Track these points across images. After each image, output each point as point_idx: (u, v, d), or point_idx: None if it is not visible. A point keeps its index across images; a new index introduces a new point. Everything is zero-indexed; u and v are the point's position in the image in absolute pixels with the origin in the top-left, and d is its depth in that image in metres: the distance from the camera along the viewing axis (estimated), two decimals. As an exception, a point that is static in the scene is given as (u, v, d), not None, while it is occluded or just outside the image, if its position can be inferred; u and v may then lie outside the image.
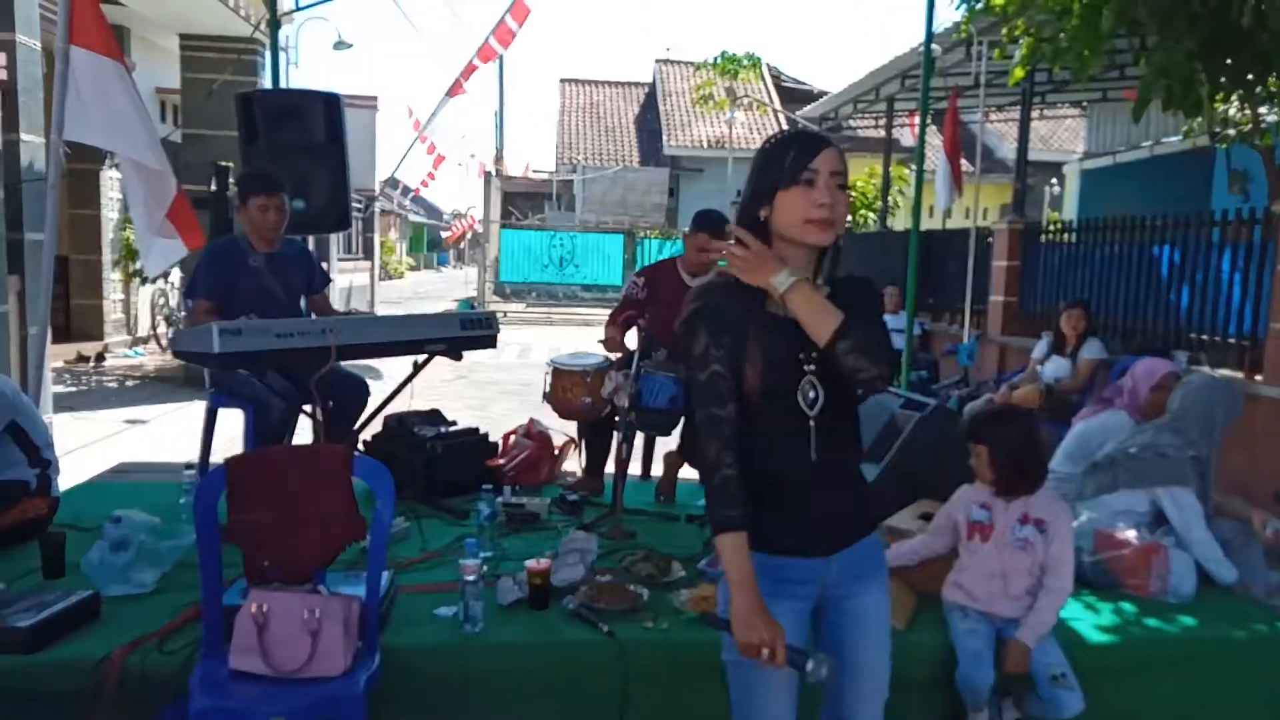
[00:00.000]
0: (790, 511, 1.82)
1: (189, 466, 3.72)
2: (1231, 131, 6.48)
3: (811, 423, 1.79)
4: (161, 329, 10.76)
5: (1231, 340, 5.41)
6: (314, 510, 2.45)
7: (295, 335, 3.25)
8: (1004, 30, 6.00)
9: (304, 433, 4.65)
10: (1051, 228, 7.66)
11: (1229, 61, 4.98)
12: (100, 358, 9.59)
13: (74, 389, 8.21)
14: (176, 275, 10.90)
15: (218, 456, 4.15)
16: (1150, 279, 6.17)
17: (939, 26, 7.25)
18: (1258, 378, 4.95)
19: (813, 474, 1.82)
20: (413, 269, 41.57)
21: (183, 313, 11.02)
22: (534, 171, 29.61)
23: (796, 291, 1.73)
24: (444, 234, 38.92)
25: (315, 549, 2.45)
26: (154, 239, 4.15)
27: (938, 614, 2.88)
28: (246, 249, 3.85)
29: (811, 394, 1.79)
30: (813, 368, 1.79)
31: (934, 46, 7.12)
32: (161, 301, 10.82)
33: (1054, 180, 17.87)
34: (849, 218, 1.86)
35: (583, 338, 14.59)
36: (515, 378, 10.26)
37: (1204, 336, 5.65)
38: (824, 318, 1.72)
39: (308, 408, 3.82)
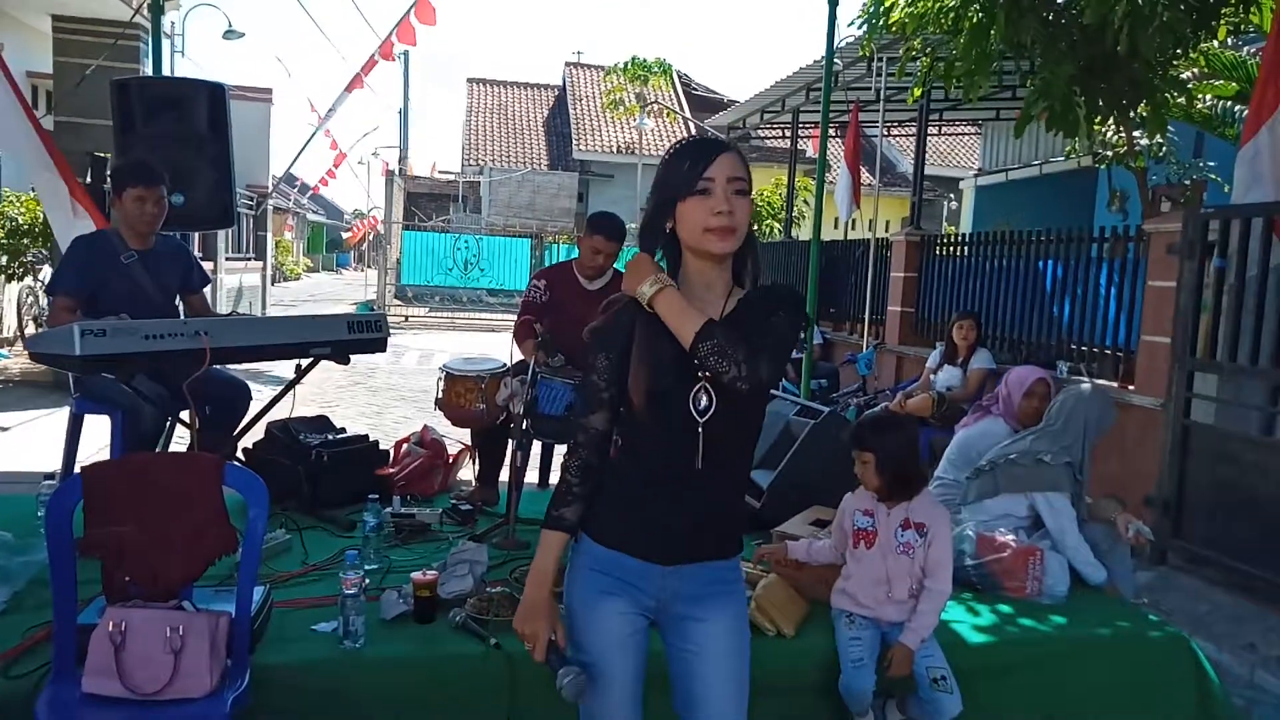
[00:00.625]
0: (648, 512, 1.80)
1: (49, 477, 3.48)
2: (1110, 153, 6.81)
3: (700, 429, 1.76)
4: (30, 330, 10.12)
5: (1108, 351, 5.68)
6: (180, 522, 2.32)
7: (166, 337, 3.06)
8: (902, 49, 6.17)
9: (182, 441, 4.43)
10: (945, 240, 7.91)
11: (1104, 86, 5.24)
12: (-38, 359, 8.96)
13: (-69, 392, 7.65)
14: (47, 273, 10.28)
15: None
16: (1035, 291, 6.44)
17: (842, 41, 7.42)
18: (1130, 387, 5.20)
19: (691, 480, 1.78)
20: (310, 270, 40.31)
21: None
22: (440, 172, 29.12)
23: (661, 298, 1.73)
24: (345, 234, 37.93)
25: (181, 563, 2.31)
26: (73, 222, 3.91)
27: (827, 619, 2.91)
28: (118, 244, 3.63)
29: (704, 400, 1.76)
30: (707, 374, 1.75)
31: (836, 61, 7.28)
32: (30, 300, 10.18)
33: (952, 195, 18.55)
34: (754, 225, 1.85)
35: (487, 343, 14.39)
36: (413, 384, 10.03)
37: (1084, 348, 5.91)
38: (686, 321, 1.69)
39: (185, 414, 3.62)
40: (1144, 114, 5.20)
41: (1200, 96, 5.92)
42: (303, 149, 11.73)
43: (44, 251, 9.59)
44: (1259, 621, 4.01)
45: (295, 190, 28.79)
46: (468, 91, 26.63)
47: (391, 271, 19.71)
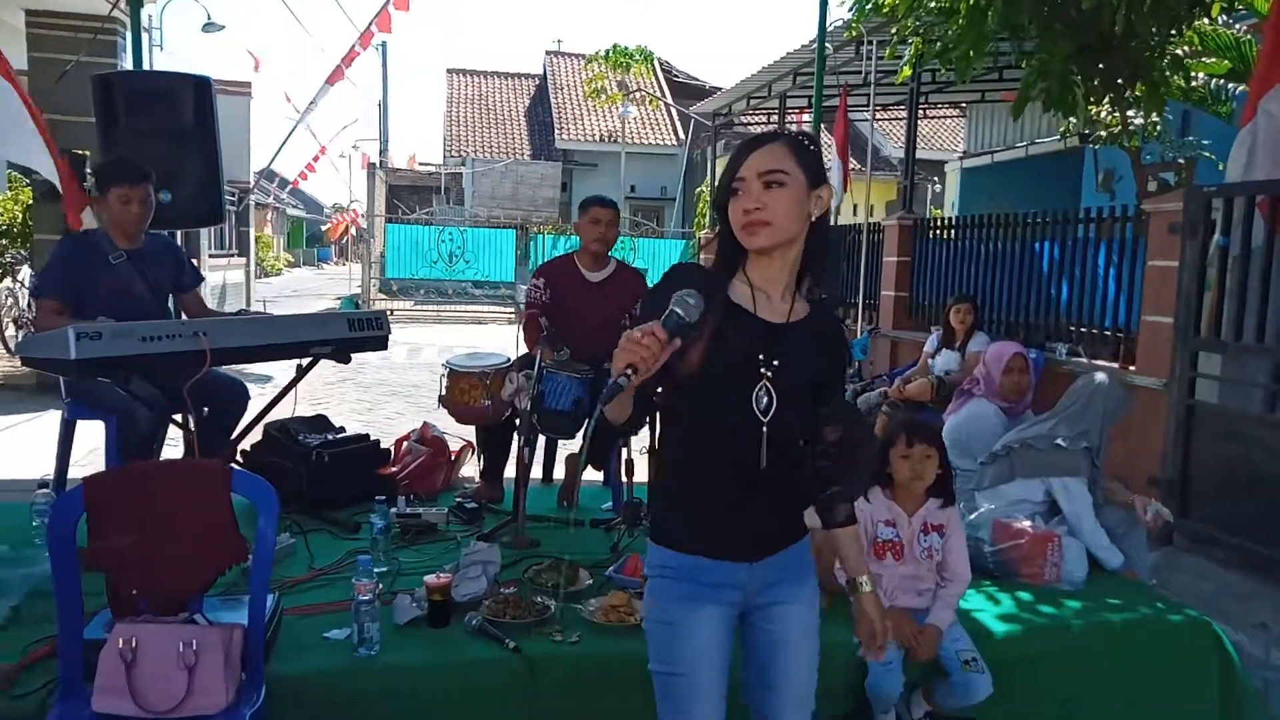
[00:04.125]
0: (722, 514, 1.77)
1: (43, 485, 3.37)
2: (1103, 133, 6.78)
3: (764, 429, 1.73)
4: (10, 332, 9.94)
5: (1107, 332, 5.66)
6: (189, 532, 2.24)
7: (163, 339, 2.97)
8: (893, 30, 6.12)
9: (174, 444, 4.33)
10: (938, 224, 7.87)
11: (1101, 66, 5.20)
12: (-59, 363, 8.79)
13: (-90, 398, 7.48)
14: (27, 274, 10.08)
15: (76, 473, 3.80)
16: (1032, 273, 6.41)
17: (830, 25, 7.34)
18: (1131, 368, 5.18)
19: (758, 480, 1.76)
20: (291, 265, 39.89)
21: (34, 314, 10.21)
22: (420, 164, 28.85)
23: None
24: (324, 229, 37.54)
25: (191, 575, 2.24)
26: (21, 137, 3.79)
27: (845, 612, 2.87)
28: (106, 245, 3.53)
29: (765, 400, 1.73)
30: (769, 373, 1.73)
31: (825, 45, 7.21)
32: (10, 302, 9.98)
33: (935, 178, 18.55)
34: (817, 217, 1.81)
35: (475, 336, 14.28)
36: (404, 379, 9.92)
37: (1082, 329, 5.89)
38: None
39: (178, 416, 3.53)
40: (1140, 93, 5.17)
41: (1194, 75, 5.90)
42: (284, 143, 11.62)
43: (23, 252, 9.41)
44: (1268, 600, 4.00)
45: (275, 185, 28.46)
46: (447, 82, 26.37)
47: (375, 265, 19.51)
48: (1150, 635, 2.99)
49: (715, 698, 1.79)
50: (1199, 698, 2.96)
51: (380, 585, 2.62)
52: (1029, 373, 3.79)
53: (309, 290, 24.82)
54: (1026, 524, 3.29)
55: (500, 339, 12.57)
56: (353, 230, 25.60)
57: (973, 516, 3.39)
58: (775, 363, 1.73)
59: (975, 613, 2.95)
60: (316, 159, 20.55)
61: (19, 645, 2.46)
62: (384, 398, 8.77)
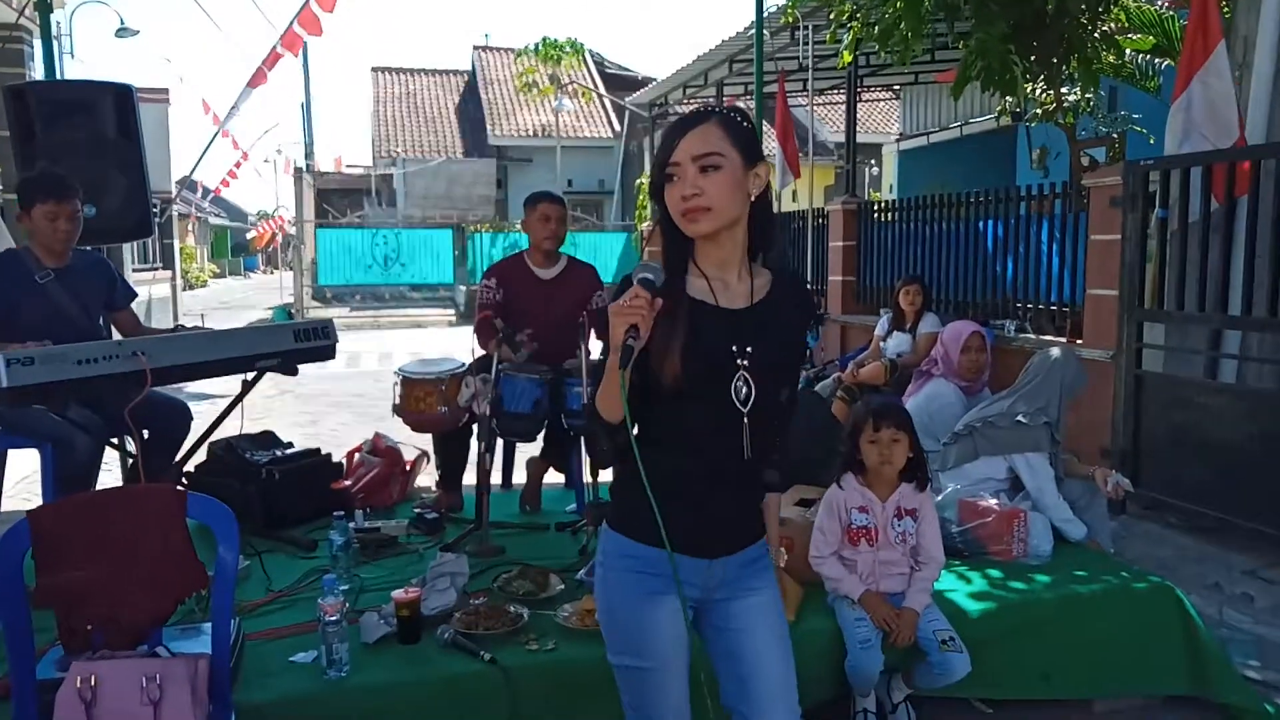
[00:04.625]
0: (691, 509, 1.72)
1: (-24, 519, 3.19)
2: (1038, 110, 6.91)
3: (745, 419, 1.70)
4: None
5: (1054, 307, 5.77)
6: (145, 561, 2.13)
7: (100, 360, 2.82)
8: (831, 15, 6.14)
9: (109, 469, 4.14)
10: (882, 207, 7.95)
11: (1035, 44, 5.29)
12: None
13: None
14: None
15: (9, 505, 3.62)
16: (977, 252, 6.50)
17: (766, 10, 7.34)
18: (1078, 341, 5.29)
19: (741, 471, 1.74)
20: (217, 276, 38.85)
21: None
22: (347, 166, 28.27)
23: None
24: (249, 237, 36.60)
25: (150, 605, 2.13)
26: None
27: (821, 600, 2.87)
28: (31, 264, 3.35)
29: (744, 390, 1.70)
30: (745, 362, 1.70)
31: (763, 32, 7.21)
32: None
33: (872, 161, 18.79)
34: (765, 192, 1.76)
35: (415, 340, 14.04)
36: (345, 388, 9.68)
37: (1029, 305, 6.00)
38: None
39: (116, 440, 3.37)
40: (1075, 69, 5.27)
41: (1123, 51, 6.04)
42: (205, 150, 11.18)
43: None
44: (1220, 561, 4.12)
45: (196, 195, 27.60)
46: (373, 81, 25.86)
47: (307, 272, 19.05)
48: (1117, 603, 3.04)
49: (681, 691, 1.78)
50: (1166, 660, 3.01)
51: (346, 604, 2.52)
52: (986, 351, 3.83)
53: (238, 301, 24.19)
54: (992, 502, 3.32)
55: (442, 342, 12.36)
56: (279, 237, 24.99)
57: (939, 497, 3.41)
58: (749, 349, 1.71)
59: (949, 593, 2.96)
60: (239, 165, 19.99)
61: (-39, 692, 2.31)
62: (327, 409, 8.55)
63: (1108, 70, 5.71)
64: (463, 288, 18.58)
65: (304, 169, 21.42)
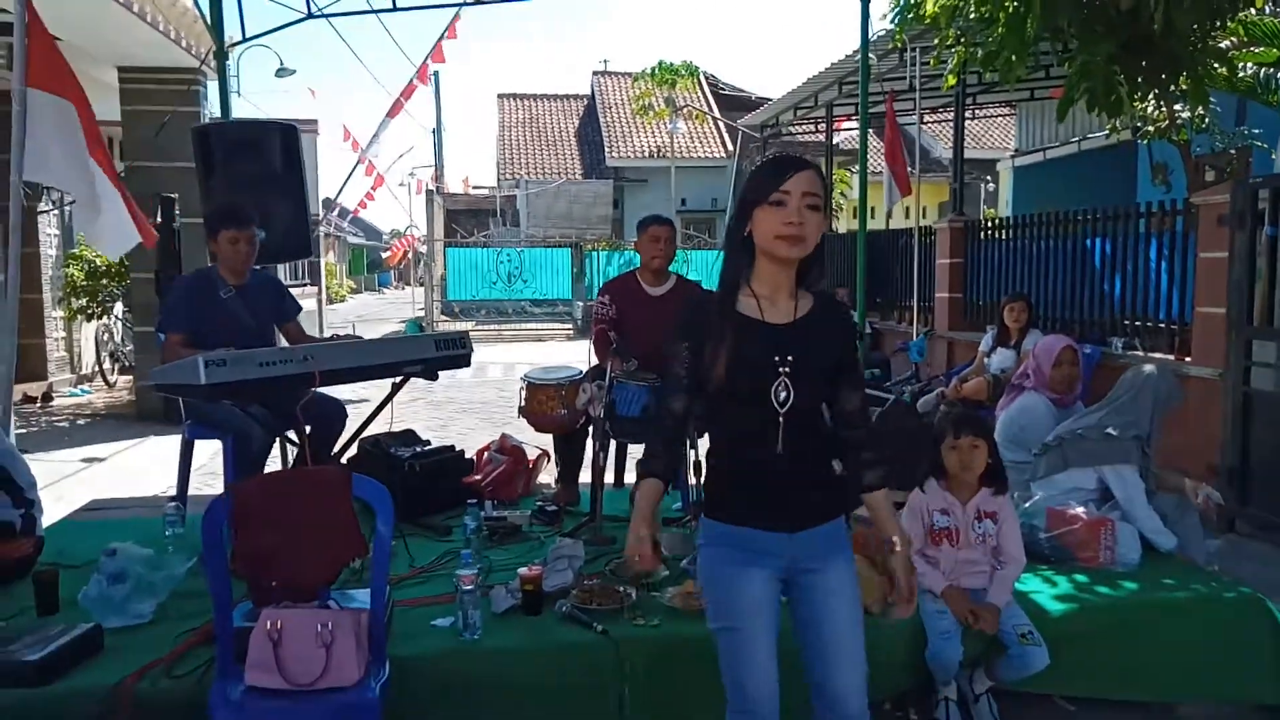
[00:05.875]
0: (756, 492, 2.03)
1: (172, 499, 3.75)
2: (1151, 128, 6.84)
3: (781, 419, 1.98)
4: (107, 365, 10.59)
5: (1161, 325, 5.74)
6: (317, 531, 2.54)
7: (278, 364, 3.31)
8: (936, 39, 6.28)
9: (272, 461, 4.70)
10: (989, 224, 7.97)
11: (1143, 63, 5.29)
12: (47, 397, 9.39)
13: (24, 430, 8.05)
14: (119, 310, 10.73)
15: (192, 489, 4.18)
16: (1085, 270, 6.50)
17: (874, 35, 7.53)
18: (1186, 359, 5.26)
19: (777, 462, 2.01)
20: (354, 292, 41.03)
21: (129, 347, 10.85)
22: (474, 188, 29.51)
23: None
24: (384, 254, 38.49)
25: (321, 568, 2.55)
26: (102, 218, 4.20)
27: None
28: (218, 281, 3.90)
29: (784, 394, 1.97)
30: (786, 370, 1.97)
31: (870, 55, 7.40)
32: (106, 338, 10.65)
33: (988, 177, 18.46)
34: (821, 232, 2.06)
35: (535, 353, 14.66)
36: (472, 396, 10.30)
37: (1136, 323, 5.97)
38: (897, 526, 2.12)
39: (288, 434, 3.88)
40: (1185, 87, 5.25)
41: (1242, 65, 5.94)
42: (349, 177, 12.10)
43: (118, 289, 10.03)
44: (1331, 582, 4.07)
45: (335, 215, 29.35)
46: (499, 106, 27.00)
47: (437, 288, 20.08)
48: (1204, 610, 3.11)
49: (768, 647, 2.02)
50: (1253, 668, 3.07)
51: (480, 576, 2.90)
52: (1078, 365, 3.94)
53: (373, 315, 25.56)
54: (1080, 510, 3.43)
55: (560, 354, 12.92)
56: (410, 255, 26.26)
57: (1027, 505, 3.56)
58: (790, 358, 1.97)
59: (1033, 594, 3.11)
60: (375, 187, 21.24)
61: (169, 636, 2.80)
62: (455, 414, 9.15)
63: (1220, 85, 5.64)
64: (580, 303, 19.21)
65: (434, 190, 22.58)
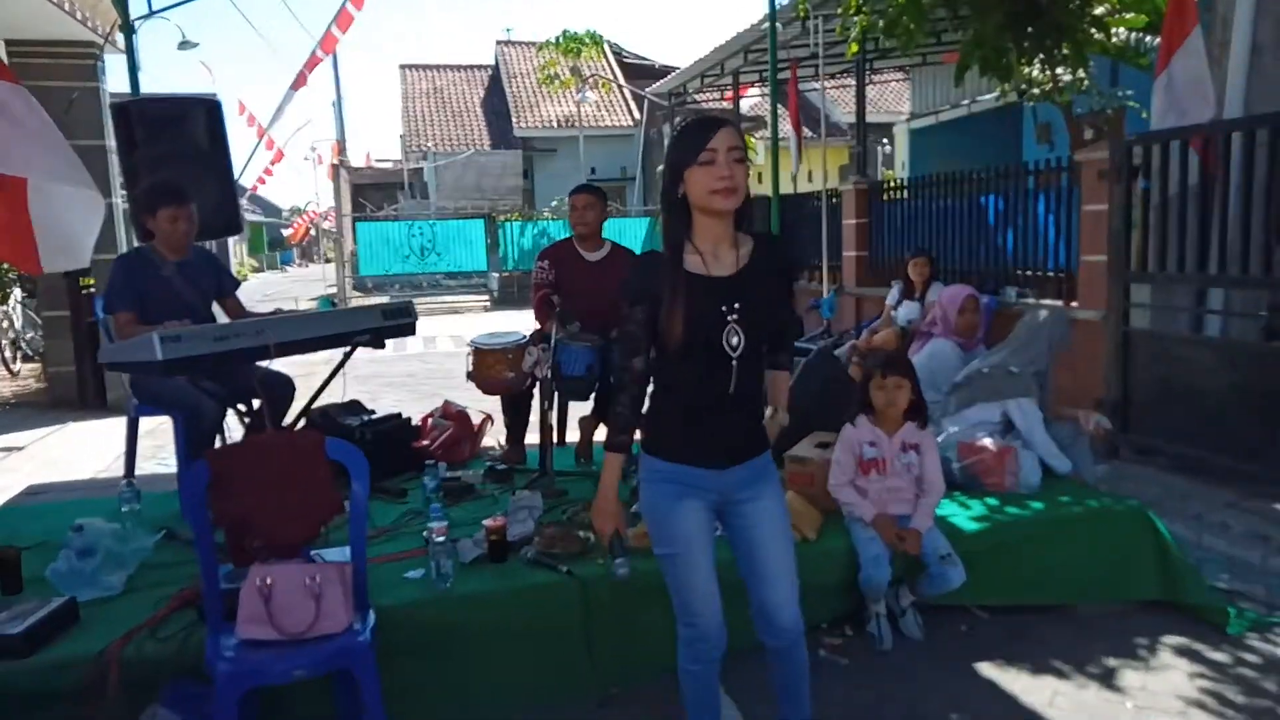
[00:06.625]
0: (701, 432, 2.23)
1: (124, 478, 3.78)
2: (1036, 90, 7.32)
3: (734, 363, 2.18)
4: (8, 354, 10.19)
5: (1051, 274, 6.22)
6: (295, 492, 2.66)
7: (232, 338, 3.39)
8: (840, 9, 6.59)
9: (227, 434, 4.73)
10: (891, 186, 8.39)
11: (1030, 30, 5.71)
12: (-55, 389, 9.04)
13: (-74, 424, 7.75)
14: (18, 295, 10.32)
15: (141, 468, 4.21)
16: (980, 225, 6.96)
17: (779, 3, 7.79)
18: (1074, 304, 5.75)
19: (727, 403, 2.21)
20: (256, 270, 39.79)
21: (30, 335, 10.44)
22: (377, 161, 28.90)
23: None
24: (285, 232, 37.40)
25: (304, 527, 2.67)
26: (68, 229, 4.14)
27: (839, 524, 3.38)
28: (156, 259, 3.91)
29: (735, 339, 2.16)
30: (735, 317, 2.16)
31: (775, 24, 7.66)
32: (6, 325, 10.23)
33: (885, 140, 19.10)
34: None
35: (454, 325, 14.64)
36: (395, 370, 10.31)
37: (1028, 272, 6.46)
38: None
39: (239, 406, 3.94)
40: (1066, 51, 5.68)
41: (1115, 30, 6.42)
42: (252, 154, 11.79)
43: (13, 275, 9.65)
44: (1204, 496, 4.57)
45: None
46: (401, 78, 26.42)
47: (348, 264, 19.73)
48: (1096, 522, 3.52)
49: (707, 567, 2.25)
50: (1140, 570, 3.50)
51: (448, 526, 3.07)
52: (980, 312, 4.31)
53: (280, 294, 24.86)
54: (987, 441, 3.80)
55: (479, 326, 12.95)
56: (314, 231, 25.65)
57: (940, 439, 3.91)
58: (737, 305, 2.13)
59: (950, 517, 3.46)
60: (275, 162, 20.69)
61: (143, 606, 2.89)
62: (383, 388, 9.16)
63: (1098, 50, 6.10)
64: (496, 275, 19.17)
65: (339, 165, 22.06)
